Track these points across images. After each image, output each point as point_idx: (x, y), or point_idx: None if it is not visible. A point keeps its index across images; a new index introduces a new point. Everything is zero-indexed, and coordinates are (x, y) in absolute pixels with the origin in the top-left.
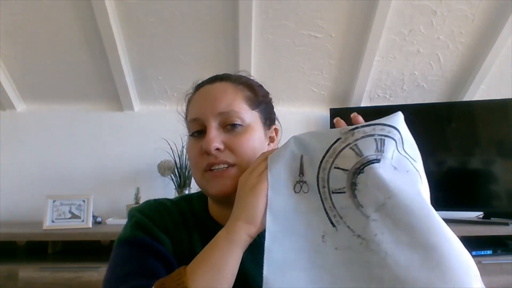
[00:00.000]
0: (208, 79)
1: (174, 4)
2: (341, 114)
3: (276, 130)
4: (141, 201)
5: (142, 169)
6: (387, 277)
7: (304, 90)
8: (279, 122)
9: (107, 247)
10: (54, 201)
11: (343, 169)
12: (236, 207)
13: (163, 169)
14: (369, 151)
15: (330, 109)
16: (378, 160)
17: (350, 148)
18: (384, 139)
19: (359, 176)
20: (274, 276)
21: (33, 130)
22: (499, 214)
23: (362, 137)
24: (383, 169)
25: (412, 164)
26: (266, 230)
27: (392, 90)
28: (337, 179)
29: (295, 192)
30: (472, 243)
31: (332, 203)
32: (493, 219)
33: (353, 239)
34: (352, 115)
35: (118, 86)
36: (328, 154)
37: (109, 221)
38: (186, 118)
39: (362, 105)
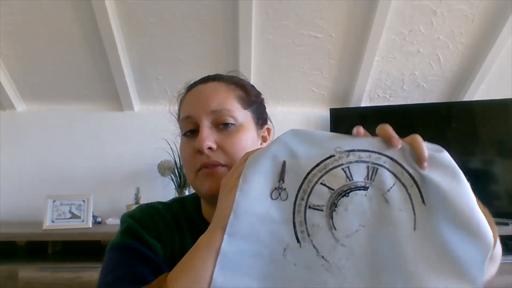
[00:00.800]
0: (200, 79)
1: (174, 4)
2: (341, 114)
3: (268, 130)
4: (141, 201)
5: (142, 169)
6: None
7: (304, 90)
8: (271, 122)
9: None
10: (54, 201)
11: (329, 187)
12: (216, 211)
13: (163, 169)
14: (359, 177)
15: (330, 109)
16: (365, 188)
17: (342, 169)
18: (377, 168)
19: (342, 198)
20: (223, 278)
21: (33, 130)
22: (499, 214)
23: (356, 161)
24: (368, 198)
25: (413, 206)
26: (226, 231)
27: (392, 90)
28: (319, 195)
29: (272, 198)
30: None
31: (305, 218)
32: (493, 219)
33: (316, 259)
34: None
35: (118, 86)
36: (317, 168)
37: (109, 221)
38: (178, 118)
39: (362, 105)
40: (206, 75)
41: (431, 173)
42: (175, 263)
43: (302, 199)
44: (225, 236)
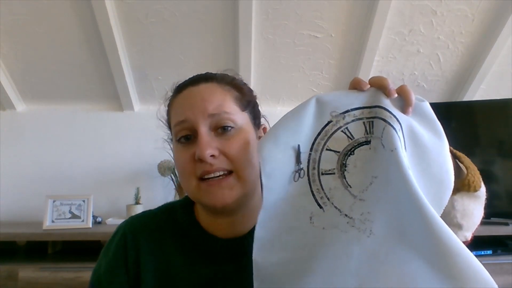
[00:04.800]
0: (189, 80)
1: (174, 4)
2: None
3: (264, 129)
4: (141, 201)
5: (142, 169)
6: (366, 255)
7: (304, 90)
8: (266, 120)
9: None
10: (54, 201)
11: (334, 151)
12: None
13: (163, 169)
14: (359, 134)
15: None
16: (368, 142)
17: (342, 131)
18: (372, 121)
19: (349, 157)
20: (262, 258)
21: (33, 130)
22: (499, 214)
23: (352, 121)
24: (373, 150)
25: (401, 142)
26: (257, 221)
27: None
28: (328, 160)
29: (294, 181)
30: (472, 243)
31: (320, 185)
32: (493, 219)
33: (340, 218)
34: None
35: (118, 86)
36: (320, 136)
37: (109, 221)
38: (168, 123)
39: None
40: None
41: (413, 120)
42: (162, 276)
43: (314, 168)
44: (256, 225)
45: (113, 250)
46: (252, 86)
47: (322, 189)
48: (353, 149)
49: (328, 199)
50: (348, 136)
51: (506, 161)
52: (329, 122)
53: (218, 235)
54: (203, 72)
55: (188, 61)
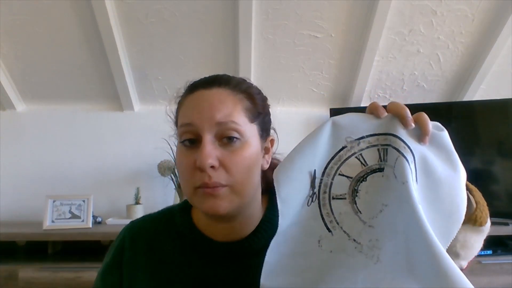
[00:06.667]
0: (203, 81)
1: (174, 4)
2: (341, 114)
3: (272, 141)
4: (141, 201)
5: (142, 169)
6: (371, 281)
7: (304, 90)
8: (275, 131)
9: (107, 247)
10: (54, 201)
11: (347, 176)
12: None
13: (163, 169)
14: (373, 161)
15: (330, 109)
16: (381, 169)
17: (356, 157)
18: (386, 149)
19: (361, 183)
20: (269, 282)
21: (33, 130)
22: (499, 214)
23: (367, 147)
24: (385, 178)
25: (412, 175)
26: (269, 247)
27: (392, 90)
28: (339, 185)
29: (308, 206)
30: None
31: (331, 209)
32: (493, 219)
33: (348, 243)
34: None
35: (118, 86)
36: (333, 161)
37: (109, 221)
38: (175, 120)
39: (362, 105)
40: (208, 75)
41: (429, 151)
42: (160, 276)
43: (325, 192)
44: (268, 250)
45: (112, 253)
46: None
47: (332, 213)
48: (366, 175)
49: (337, 223)
50: (362, 163)
51: (506, 161)
52: (343, 148)
53: (215, 238)
54: (205, 73)
55: (188, 61)
